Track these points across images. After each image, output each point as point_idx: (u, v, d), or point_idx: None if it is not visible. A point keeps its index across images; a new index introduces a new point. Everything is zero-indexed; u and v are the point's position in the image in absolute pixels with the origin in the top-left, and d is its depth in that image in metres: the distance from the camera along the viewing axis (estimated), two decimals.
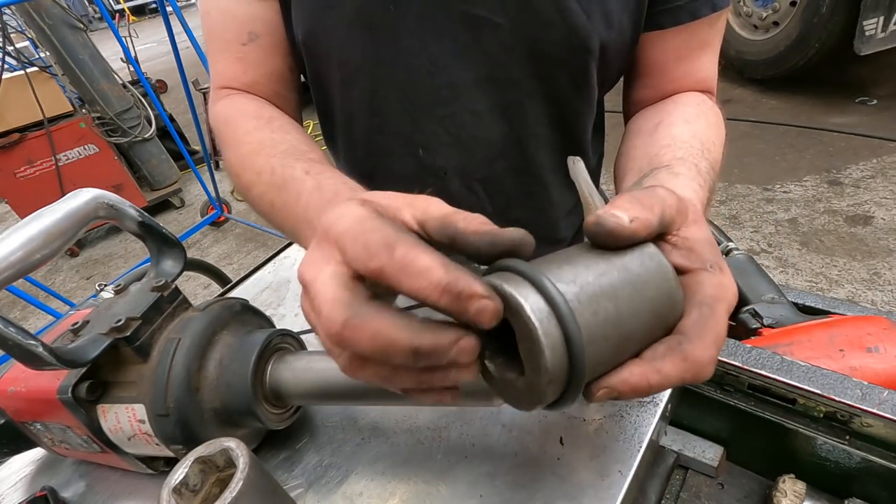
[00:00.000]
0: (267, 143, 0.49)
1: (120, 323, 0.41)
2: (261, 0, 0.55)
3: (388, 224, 0.27)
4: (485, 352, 0.28)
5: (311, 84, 0.62)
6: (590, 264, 0.28)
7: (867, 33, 2.33)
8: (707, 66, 0.57)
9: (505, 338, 0.27)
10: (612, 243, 0.28)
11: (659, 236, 0.30)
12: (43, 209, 0.42)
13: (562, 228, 0.70)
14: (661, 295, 0.28)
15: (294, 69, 0.61)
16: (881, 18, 2.29)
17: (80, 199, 0.44)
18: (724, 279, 0.29)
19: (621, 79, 0.62)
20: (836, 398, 0.40)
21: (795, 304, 0.68)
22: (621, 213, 0.28)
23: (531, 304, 0.25)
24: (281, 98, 0.61)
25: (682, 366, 0.27)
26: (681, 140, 0.48)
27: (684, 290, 0.29)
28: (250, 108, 0.56)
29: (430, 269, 0.24)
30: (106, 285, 0.59)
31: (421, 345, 0.25)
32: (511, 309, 0.25)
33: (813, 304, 0.68)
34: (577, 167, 0.37)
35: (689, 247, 0.30)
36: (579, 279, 0.26)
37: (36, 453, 0.54)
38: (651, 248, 0.29)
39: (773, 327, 0.64)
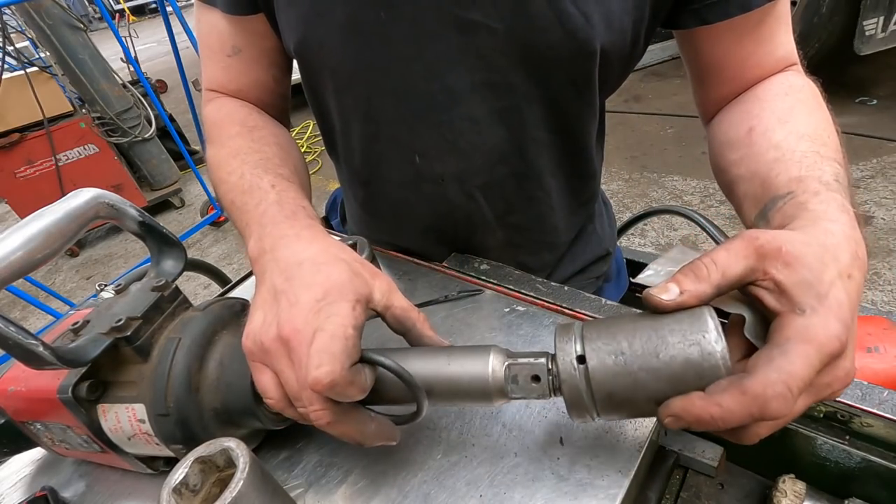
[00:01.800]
0: (243, 150, 0.54)
1: (120, 323, 0.41)
2: (244, 15, 0.56)
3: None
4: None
5: (306, 91, 0.62)
6: (634, 321, 0.33)
7: (867, 33, 2.33)
8: (783, 41, 0.53)
9: None
10: (661, 311, 0.33)
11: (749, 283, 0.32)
12: (43, 209, 0.42)
13: (562, 232, 0.69)
14: (687, 342, 0.31)
15: (280, 79, 0.64)
16: (881, 18, 2.29)
17: (80, 199, 0.44)
18: (813, 320, 0.29)
19: (623, 80, 0.61)
20: (836, 398, 0.40)
21: None
22: (674, 285, 0.32)
23: (566, 354, 0.34)
24: (265, 105, 0.64)
25: (742, 399, 0.28)
26: (788, 150, 0.43)
27: (770, 333, 0.31)
28: (239, 115, 0.60)
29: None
30: (106, 285, 0.59)
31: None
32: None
33: None
34: None
35: (780, 290, 0.31)
36: (611, 333, 0.33)
37: (36, 453, 0.54)
38: (702, 310, 0.32)
39: None
